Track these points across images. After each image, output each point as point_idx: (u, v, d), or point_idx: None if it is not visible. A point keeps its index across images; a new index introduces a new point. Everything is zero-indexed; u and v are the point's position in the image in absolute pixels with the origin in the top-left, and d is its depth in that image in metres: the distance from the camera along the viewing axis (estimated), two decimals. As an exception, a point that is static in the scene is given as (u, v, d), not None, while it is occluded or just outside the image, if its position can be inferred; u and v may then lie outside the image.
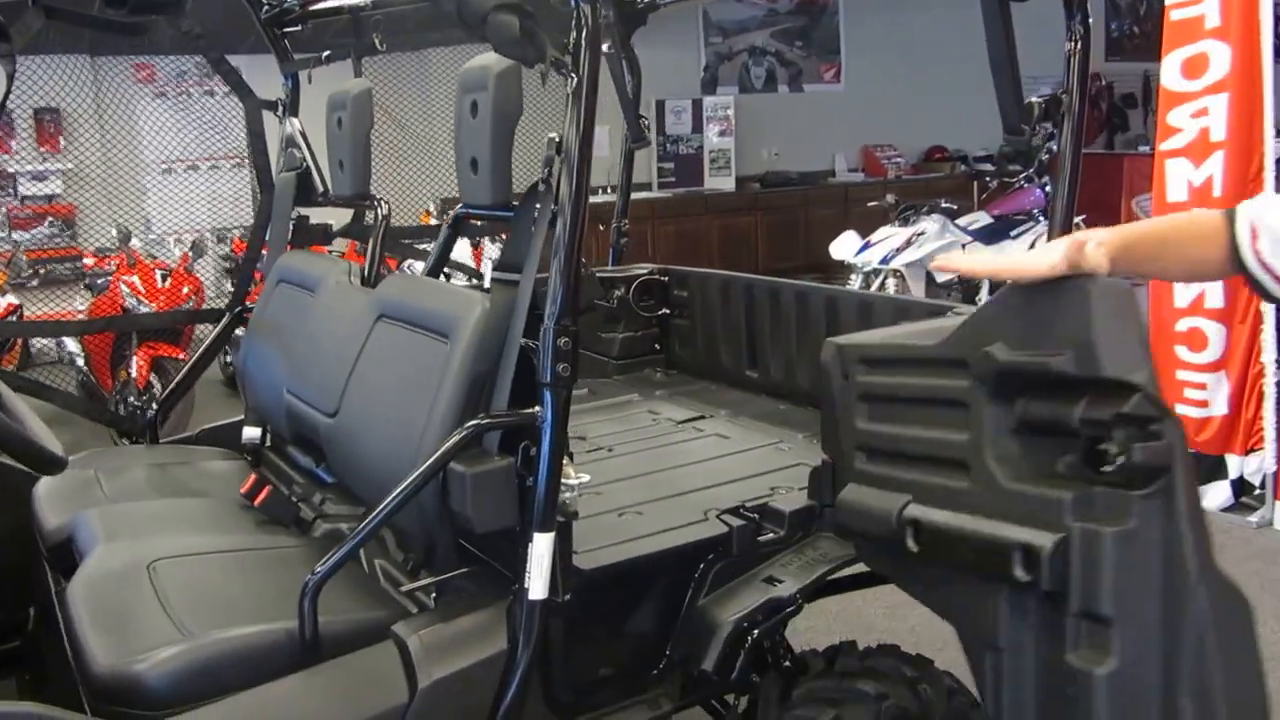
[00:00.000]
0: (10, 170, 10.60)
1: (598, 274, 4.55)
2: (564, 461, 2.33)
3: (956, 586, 1.98)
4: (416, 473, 2.24)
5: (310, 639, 2.24)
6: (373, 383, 2.86)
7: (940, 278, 8.64)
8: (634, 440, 3.55)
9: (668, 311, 4.49)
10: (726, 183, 13.46)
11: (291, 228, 3.90)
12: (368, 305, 2.97)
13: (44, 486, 3.23)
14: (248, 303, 4.03)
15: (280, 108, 4.03)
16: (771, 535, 2.67)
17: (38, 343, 8.22)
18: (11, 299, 8.38)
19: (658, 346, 4.54)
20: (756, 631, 2.57)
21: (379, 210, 3.48)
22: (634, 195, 11.55)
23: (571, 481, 2.36)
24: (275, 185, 3.97)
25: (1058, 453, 1.85)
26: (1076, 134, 3.07)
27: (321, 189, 3.81)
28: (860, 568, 2.67)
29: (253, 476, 3.11)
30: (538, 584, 2.23)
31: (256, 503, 3.04)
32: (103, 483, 3.39)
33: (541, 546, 2.23)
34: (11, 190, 10.64)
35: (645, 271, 4.47)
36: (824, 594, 2.86)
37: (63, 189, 10.64)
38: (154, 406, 3.89)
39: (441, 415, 2.41)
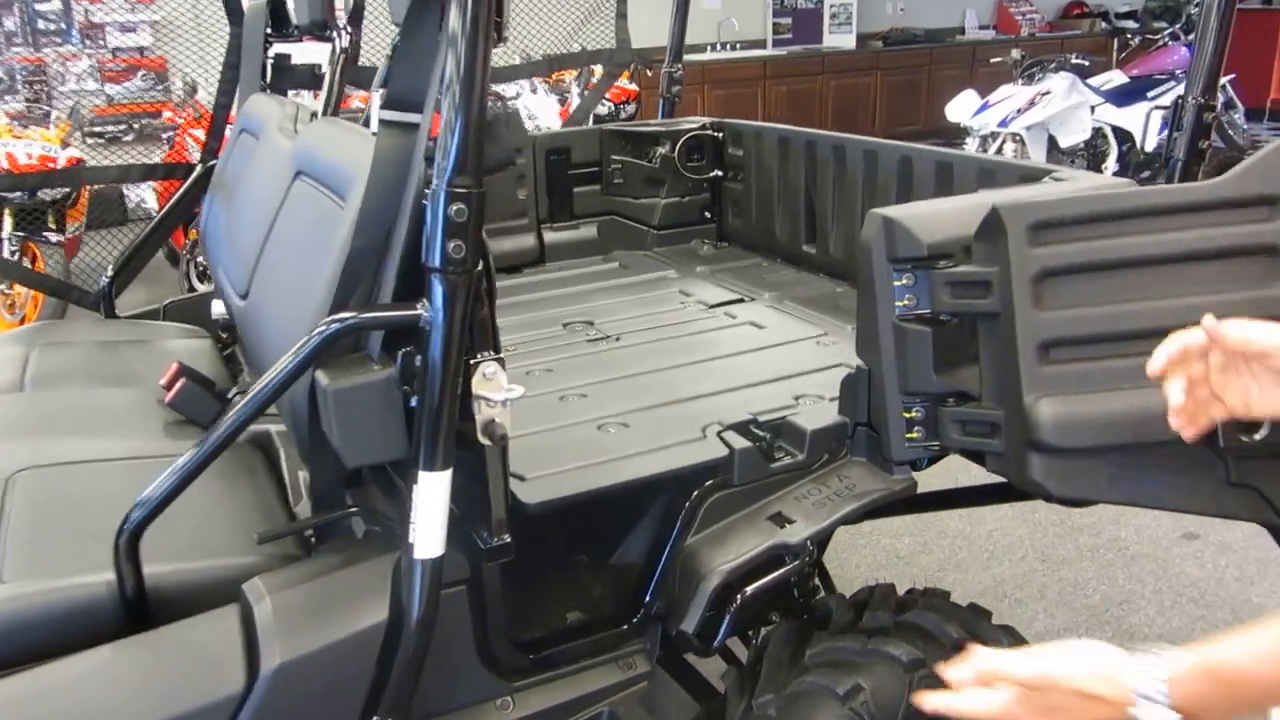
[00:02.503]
0: (97, 20, 10.21)
1: (636, 128, 3.88)
2: (488, 368, 1.72)
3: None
4: (261, 383, 1.65)
5: (133, 597, 1.70)
6: (278, 260, 2.27)
7: (1065, 142, 7.70)
8: (648, 329, 2.91)
9: (720, 174, 3.80)
10: (847, 40, 12.47)
11: (270, 68, 3.28)
12: (289, 159, 2.36)
13: None
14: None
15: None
16: (788, 460, 2.08)
17: (133, 198, 7.96)
18: (74, 152, 7.98)
19: (708, 214, 3.87)
20: (749, 590, 1.98)
21: (337, 42, 2.84)
22: (746, 53, 10.66)
23: (497, 396, 1.74)
24: (245, 15, 3.35)
25: None
26: None
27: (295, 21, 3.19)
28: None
29: (174, 365, 2.56)
30: (425, 539, 1.64)
31: (167, 399, 2.49)
32: (30, 364, 2.90)
33: (429, 490, 1.63)
34: (101, 41, 10.28)
35: (695, 126, 3.77)
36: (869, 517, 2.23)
37: (152, 41, 10.23)
38: (108, 274, 3.35)
39: (315, 308, 1.81)
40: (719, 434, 2.14)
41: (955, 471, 2.17)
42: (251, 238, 2.45)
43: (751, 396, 2.36)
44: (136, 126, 9.74)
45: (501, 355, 1.76)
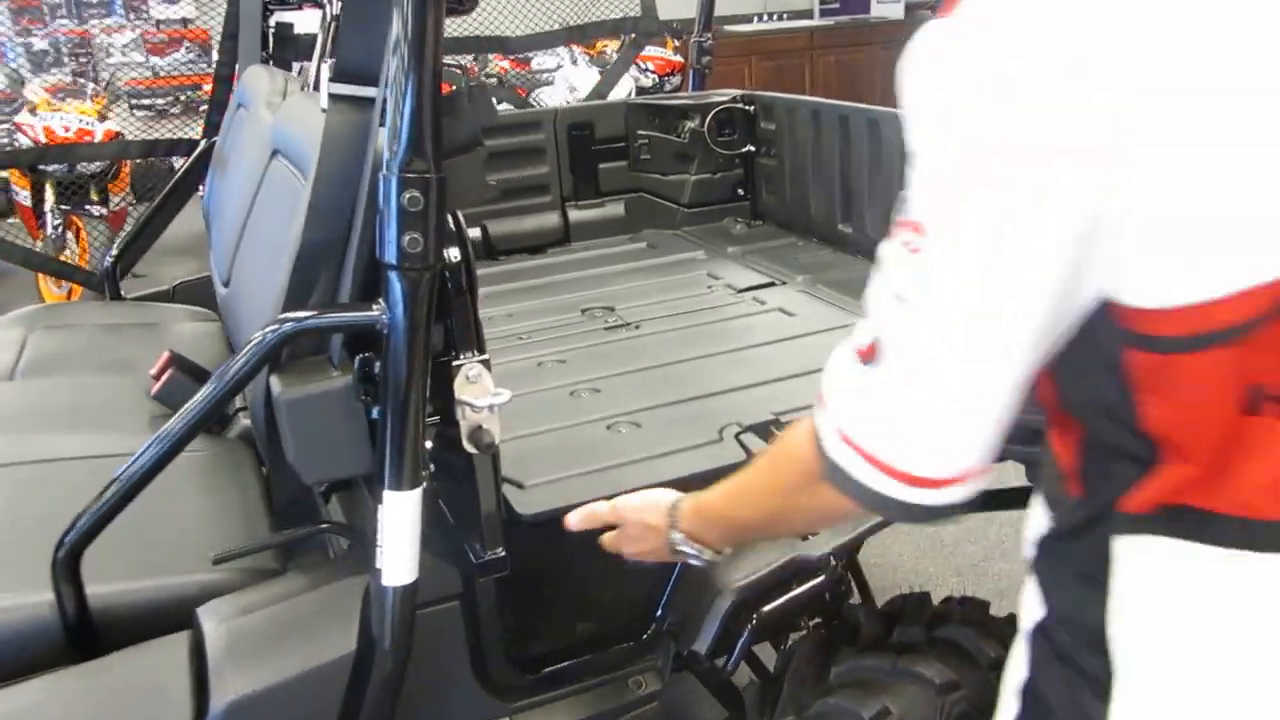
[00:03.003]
0: (139, -9, 10.13)
1: (663, 101, 3.68)
2: (471, 370, 1.55)
3: None
4: (207, 389, 1.48)
5: (74, 621, 1.54)
6: (254, 246, 2.11)
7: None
8: (671, 315, 2.73)
9: (752, 149, 3.59)
10: (896, 9, 12.13)
11: (271, 38, 3.11)
12: (269, 136, 2.19)
13: None
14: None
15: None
16: None
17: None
18: (111, 126, 7.88)
19: (741, 191, 3.67)
20: (766, 609, 1.81)
21: (329, 7, 2.66)
22: (792, 23, 10.32)
23: (481, 401, 1.58)
24: (244, -21, 3.19)
25: None
26: None
27: (300, -14, 3.02)
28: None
29: (165, 354, 2.41)
30: (393, 565, 1.47)
31: (153, 391, 2.35)
32: (26, 350, 2.77)
33: (396, 512, 1.46)
34: (145, 13, 10.19)
35: (726, 98, 3.56)
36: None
37: (195, 13, 10.13)
38: (111, 255, 3.21)
39: (274, 304, 1.64)
40: (737, 436, 1.97)
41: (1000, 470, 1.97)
42: (233, 221, 2.30)
43: (775, 393, 2.17)
44: (183, 99, 9.65)
45: (486, 356, 1.60)
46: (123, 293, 3.24)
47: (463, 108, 1.50)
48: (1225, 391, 0.80)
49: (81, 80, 8.51)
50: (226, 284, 2.30)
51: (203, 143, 3.28)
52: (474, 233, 3.42)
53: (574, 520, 1.53)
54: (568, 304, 2.88)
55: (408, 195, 1.37)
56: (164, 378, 2.36)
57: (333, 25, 2.60)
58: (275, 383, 1.50)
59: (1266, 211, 0.74)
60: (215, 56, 3.22)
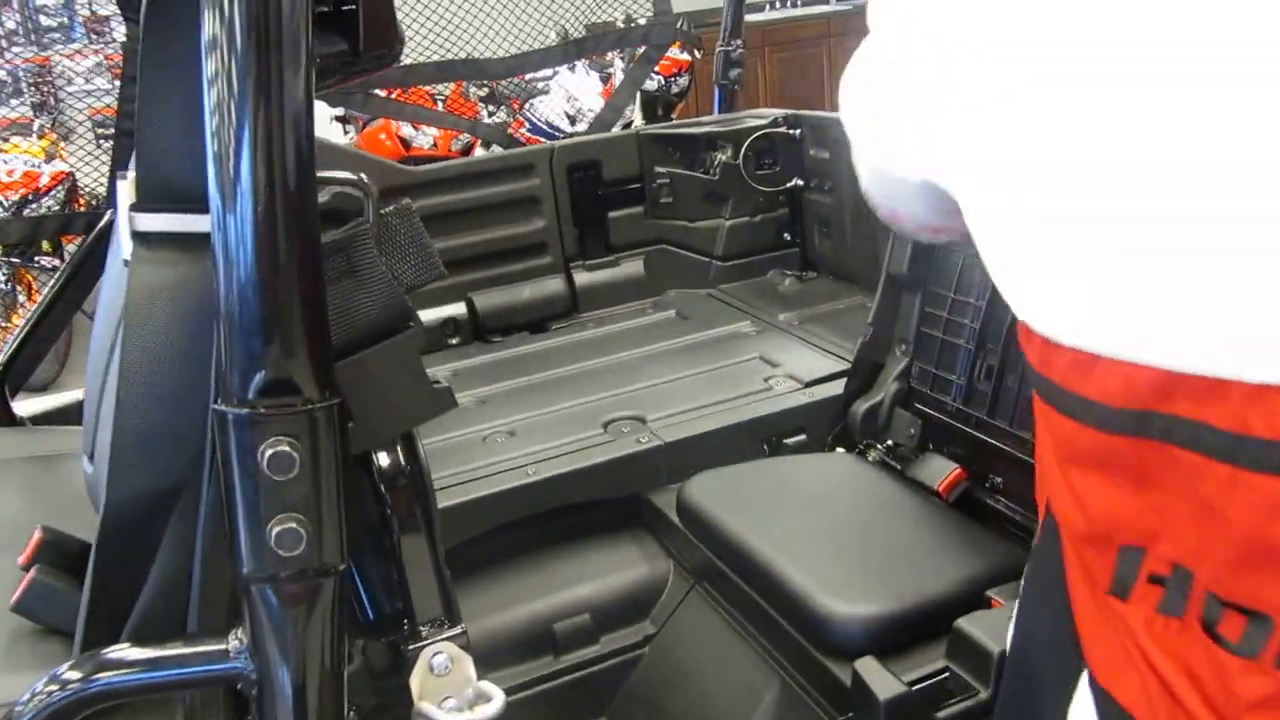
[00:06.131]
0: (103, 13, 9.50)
1: (685, 129, 2.98)
2: (438, 660, 0.97)
3: None
4: None
5: None
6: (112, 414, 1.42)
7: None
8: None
9: (800, 183, 2.90)
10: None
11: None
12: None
13: None
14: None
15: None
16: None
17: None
18: (61, 166, 7.32)
19: (788, 236, 2.98)
20: None
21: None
22: (808, 9, 9.65)
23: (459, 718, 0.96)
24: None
25: None
26: None
27: None
28: None
29: (37, 535, 1.71)
30: None
31: (12, 603, 1.65)
32: None
33: None
34: (109, 35, 9.58)
35: (765, 121, 2.87)
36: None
37: (160, 33, 9.57)
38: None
39: None
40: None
41: None
42: (96, 360, 1.61)
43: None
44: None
45: (462, 628, 0.99)
46: (16, 413, 2.54)
47: (370, 262, 0.84)
48: None
49: (38, 114, 7.97)
50: (91, 457, 1.61)
51: (107, 215, 2.57)
52: (456, 309, 2.73)
53: None
54: (584, 414, 2.22)
55: (271, 453, 0.73)
56: (27, 579, 1.66)
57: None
58: None
59: None
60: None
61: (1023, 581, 0.89)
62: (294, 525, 0.75)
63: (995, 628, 1.48)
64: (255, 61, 0.70)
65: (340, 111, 5.75)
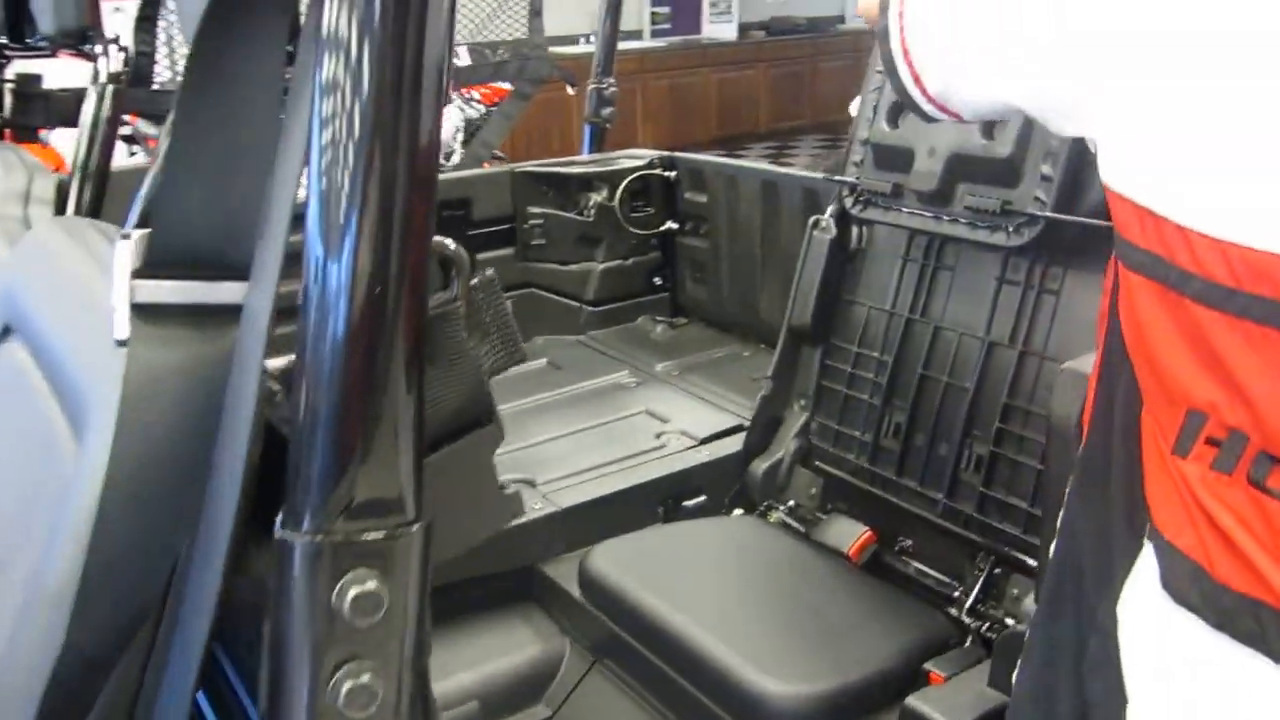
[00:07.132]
0: None
1: (561, 168, 2.86)
2: None
3: None
4: None
5: None
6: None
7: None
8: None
9: (675, 226, 2.82)
10: (728, 30, 11.60)
11: (8, 97, 2.15)
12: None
13: None
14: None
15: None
16: None
17: None
18: None
19: (658, 281, 2.89)
20: None
21: (102, 64, 1.75)
22: (623, 45, 9.56)
23: None
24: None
25: None
26: None
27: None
28: None
29: None
30: None
31: None
32: None
33: None
34: None
35: (642, 163, 2.78)
36: None
37: None
38: None
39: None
40: None
41: None
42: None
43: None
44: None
45: None
46: None
47: (455, 337, 0.71)
48: None
49: None
50: None
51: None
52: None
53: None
54: None
55: (352, 595, 0.58)
56: None
57: (111, 88, 1.76)
58: None
59: None
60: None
61: (1068, 492, 1.01)
62: (367, 680, 0.60)
63: (947, 704, 1.42)
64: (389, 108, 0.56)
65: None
